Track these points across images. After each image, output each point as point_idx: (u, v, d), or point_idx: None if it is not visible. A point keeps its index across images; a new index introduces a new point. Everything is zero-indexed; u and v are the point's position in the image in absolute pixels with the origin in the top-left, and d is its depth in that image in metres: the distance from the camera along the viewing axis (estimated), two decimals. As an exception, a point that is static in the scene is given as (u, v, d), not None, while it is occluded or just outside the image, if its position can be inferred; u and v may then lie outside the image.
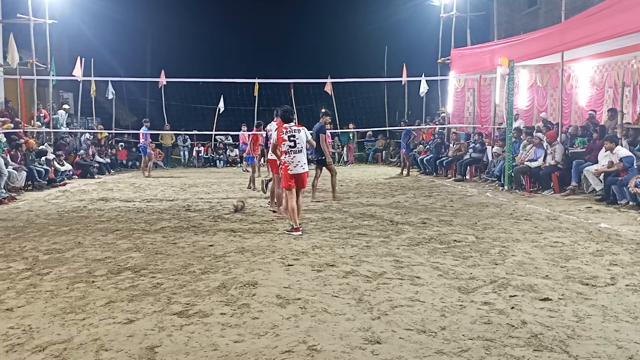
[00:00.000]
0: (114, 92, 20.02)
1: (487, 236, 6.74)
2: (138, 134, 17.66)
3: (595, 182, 10.09)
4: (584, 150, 11.29)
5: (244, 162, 19.77)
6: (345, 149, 22.27)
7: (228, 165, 21.44)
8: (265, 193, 10.50)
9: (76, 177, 15.58)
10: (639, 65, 12.77)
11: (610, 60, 13.64)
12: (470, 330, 3.62)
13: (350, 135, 22.28)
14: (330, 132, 20.61)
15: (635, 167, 9.07)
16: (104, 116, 22.37)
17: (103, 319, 3.89)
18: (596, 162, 10.13)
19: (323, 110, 11.64)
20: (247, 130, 18.76)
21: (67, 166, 15.01)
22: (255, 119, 13.77)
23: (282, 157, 7.17)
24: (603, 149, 9.96)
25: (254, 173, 12.80)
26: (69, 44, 24.21)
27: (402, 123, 18.08)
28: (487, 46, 15.55)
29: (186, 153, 22.49)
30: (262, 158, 11.36)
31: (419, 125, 20.63)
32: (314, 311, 4.03)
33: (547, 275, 4.94)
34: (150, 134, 17.59)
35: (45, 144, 15.45)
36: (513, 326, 3.69)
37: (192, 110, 24.29)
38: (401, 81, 19.36)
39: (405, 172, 16.27)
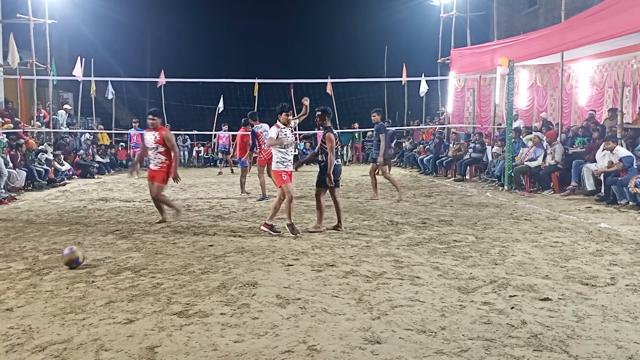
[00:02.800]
0: (113, 92, 20.02)
1: (487, 236, 6.74)
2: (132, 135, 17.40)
3: (590, 182, 10.09)
4: (584, 150, 11.29)
5: (220, 165, 19.46)
6: (346, 148, 22.30)
7: (228, 165, 21.43)
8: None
9: (76, 177, 15.58)
10: (639, 65, 12.78)
11: (610, 60, 13.65)
12: (470, 330, 3.62)
13: (356, 134, 22.34)
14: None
15: (635, 167, 9.07)
16: (104, 116, 22.37)
17: (103, 319, 3.89)
18: (595, 161, 10.14)
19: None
20: (228, 130, 18.61)
21: (67, 166, 15.01)
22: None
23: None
24: (601, 148, 9.96)
25: (243, 177, 11.59)
26: (68, 44, 24.23)
27: (385, 123, 17.96)
28: (487, 46, 15.57)
29: (186, 153, 22.49)
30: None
31: (418, 125, 20.64)
32: (314, 311, 4.03)
33: (547, 275, 4.94)
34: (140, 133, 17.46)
35: (45, 144, 15.45)
36: (513, 326, 3.69)
37: (192, 110, 24.29)
38: (401, 81, 19.37)
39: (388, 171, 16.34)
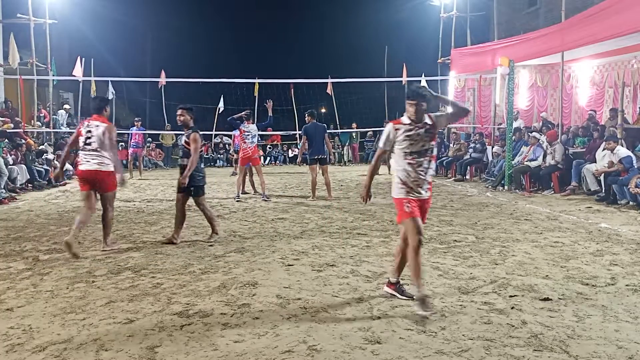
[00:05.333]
0: (114, 92, 19.97)
1: (487, 236, 6.74)
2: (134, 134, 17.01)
3: (592, 181, 10.09)
4: (584, 150, 11.29)
5: (236, 165, 19.27)
6: (345, 148, 22.31)
7: (229, 165, 21.44)
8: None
9: (76, 177, 15.56)
10: (639, 65, 12.79)
11: (610, 60, 13.66)
12: (470, 330, 3.62)
13: (353, 134, 22.33)
14: (330, 132, 20.73)
15: (636, 167, 9.07)
16: (104, 116, 22.34)
17: (103, 319, 3.89)
18: (595, 161, 10.14)
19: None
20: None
21: (68, 166, 15.00)
22: (256, 120, 13.49)
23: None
24: (600, 148, 9.96)
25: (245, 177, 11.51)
26: (69, 44, 24.22)
27: (385, 124, 17.98)
28: (487, 46, 15.58)
29: (186, 153, 22.47)
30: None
31: None
32: (314, 311, 4.03)
33: (547, 275, 4.93)
34: (147, 133, 17.35)
35: (45, 144, 15.46)
36: (513, 326, 3.69)
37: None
38: (401, 81, 19.36)
39: (384, 171, 16.40)
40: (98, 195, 6.10)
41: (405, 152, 4.22)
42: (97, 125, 6.02)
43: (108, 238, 6.19)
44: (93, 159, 5.97)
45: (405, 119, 4.32)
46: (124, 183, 6.21)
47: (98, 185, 6.02)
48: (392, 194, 4.31)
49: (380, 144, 4.36)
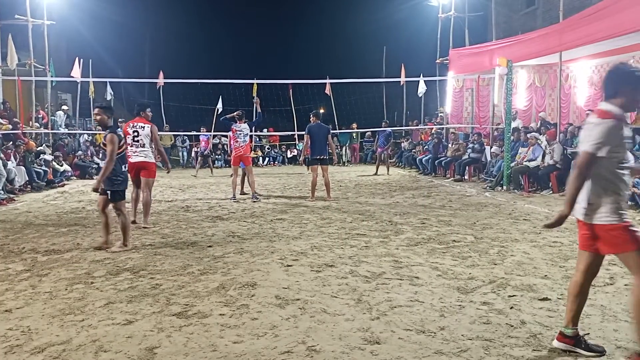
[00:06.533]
0: (112, 93, 19.98)
1: (485, 236, 6.74)
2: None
3: None
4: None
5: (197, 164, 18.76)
6: (344, 149, 22.33)
7: (227, 165, 21.43)
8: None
9: (75, 177, 15.56)
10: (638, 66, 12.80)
11: (609, 60, 13.64)
12: (470, 331, 3.62)
13: (354, 135, 22.35)
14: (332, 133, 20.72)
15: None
16: (102, 117, 22.32)
17: (102, 320, 3.89)
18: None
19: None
20: (207, 131, 18.51)
21: (66, 167, 15.00)
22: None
23: None
24: None
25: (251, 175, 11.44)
26: (67, 45, 24.20)
27: (383, 124, 18.00)
28: (486, 46, 15.59)
29: (185, 154, 22.49)
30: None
31: (417, 125, 20.64)
32: (313, 312, 4.03)
33: (546, 275, 4.94)
34: None
35: (44, 145, 15.44)
36: (512, 326, 3.70)
37: (191, 110, 24.24)
38: (400, 81, 19.38)
39: (383, 171, 16.42)
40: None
41: (620, 160, 3.02)
42: (143, 126, 7.60)
43: (148, 217, 7.68)
44: (140, 153, 7.55)
45: (616, 110, 3.00)
46: (170, 171, 8.92)
47: (142, 172, 7.59)
48: (602, 219, 3.03)
49: (593, 145, 2.94)
